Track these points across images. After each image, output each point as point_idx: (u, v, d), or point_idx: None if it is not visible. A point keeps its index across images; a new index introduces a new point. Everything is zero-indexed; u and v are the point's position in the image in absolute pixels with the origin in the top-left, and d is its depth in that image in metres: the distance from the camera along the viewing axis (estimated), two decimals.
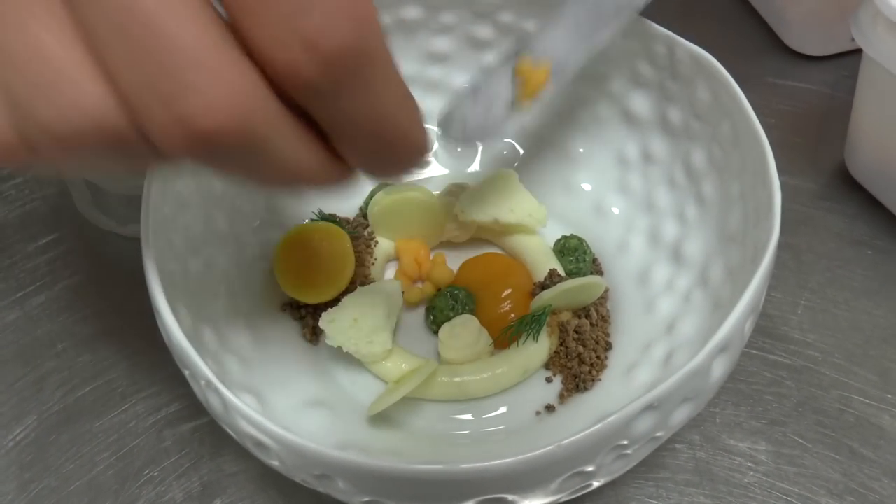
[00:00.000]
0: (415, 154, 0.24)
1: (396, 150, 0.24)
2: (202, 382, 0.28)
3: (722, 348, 0.28)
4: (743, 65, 0.50)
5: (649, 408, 0.26)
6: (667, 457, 0.35)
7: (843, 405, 0.36)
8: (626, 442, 0.27)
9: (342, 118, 0.22)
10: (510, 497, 0.27)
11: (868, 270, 0.41)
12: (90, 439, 0.36)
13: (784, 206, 0.43)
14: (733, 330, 0.28)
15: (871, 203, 0.43)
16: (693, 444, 0.35)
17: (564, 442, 0.25)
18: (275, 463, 0.28)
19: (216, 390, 0.27)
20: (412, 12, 0.40)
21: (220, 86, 0.20)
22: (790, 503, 0.34)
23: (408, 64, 0.41)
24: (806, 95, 0.49)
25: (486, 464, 0.25)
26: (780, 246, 0.41)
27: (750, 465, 0.35)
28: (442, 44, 0.42)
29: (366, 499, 0.27)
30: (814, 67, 0.50)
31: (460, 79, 0.42)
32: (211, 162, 0.22)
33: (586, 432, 0.25)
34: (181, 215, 0.34)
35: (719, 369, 0.28)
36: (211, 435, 0.36)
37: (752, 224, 0.33)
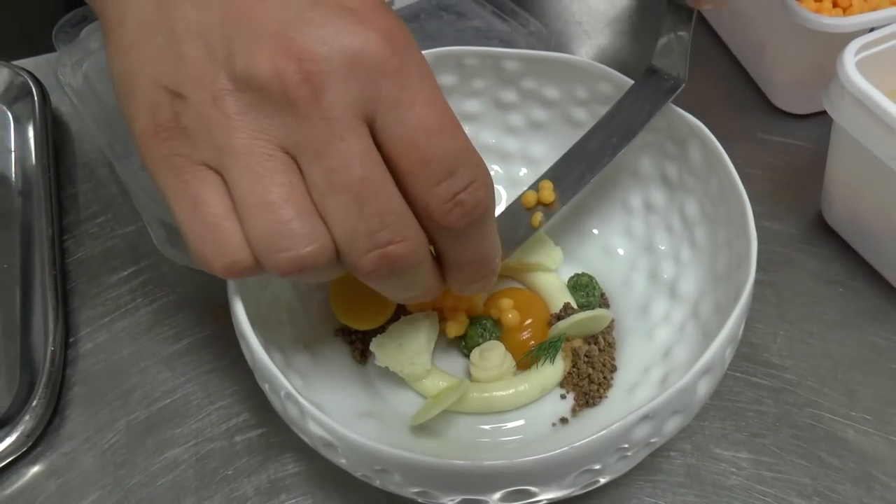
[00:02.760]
0: (493, 277, 0.36)
1: (487, 275, 0.35)
2: (282, 393, 0.34)
3: (706, 371, 0.34)
4: (737, 122, 0.57)
5: (646, 418, 0.33)
6: (663, 462, 0.41)
7: (815, 421, 0.43)
8: (626, 445, 0.33)
9: (461, 253, 0.33)
10: (532, 489, 0.33)
11: (840, 306, 0.47)
12: (172, 443, 0.42)
13: (767, 249, 0.50)
14: (715, 356, 0.34)
15: (844, 248, 0.50)
16: (685, 452, 0.42)
17: (576, 444, 0.32)
18: (342, 461, 0.34)
19: (295, 400, 0.34)
20: (448, 79, 0.47)
21: (406, 227, 0.30)
22: (767, 503, 0.40)
23: None
24: (790, 150, 0.55)
25: (514, 461, 0.32)
26: (763, 283, 0.48)
27: (733, 470, 0.41)
28: (472, 106, 0.48)
29: (416, 489, 0.34)
30: (798, 124, 0.57)
31: (488, 136, 0.49)
32: (382, 279, 0.32)
33: (594, 437, 0.32)
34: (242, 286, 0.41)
35: (704, 388, 0.35)
36: (276, 440, 0.42)
37: (735, 266, 0.39)
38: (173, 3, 0.31)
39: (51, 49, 0.57)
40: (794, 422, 0.43)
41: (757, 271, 0.48)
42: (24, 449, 0.42)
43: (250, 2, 0.30)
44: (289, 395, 0.34)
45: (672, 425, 0.35)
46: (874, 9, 0.54)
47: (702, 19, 0.64)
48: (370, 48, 0.29)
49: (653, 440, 0.34)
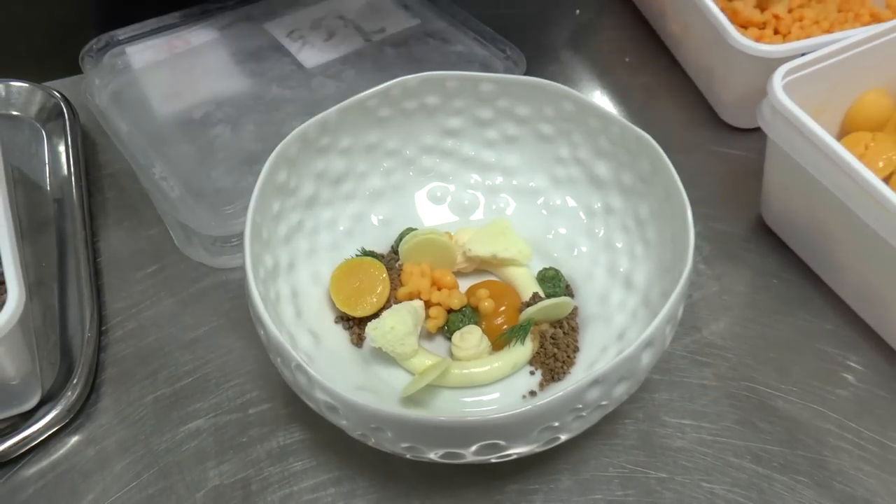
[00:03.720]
0: None
1: None
2: (292, 365, 0.40)
3: (648, 344, 0.40)
4: (690, 135, 0.64)
5: (596, 382, 0.39)
6: (619, 428, 0.47)
7: (750, 392, 0.49)
8: (580, 406, 0.39)
9: None
10: (501, 442, 0.39)
11: (774, 295, 0.54)
12: (194, 416, 0.48)
13: (713, 246, 0.56)
14: (656, 331, 0.40)
15: (779, 244, 0.56)
16: (638, 419, 0.48)
17: (538, 403, 0.38)
18: (343, 422, 0.40)
19: (303, 370, 0.40)
20: (432, 99, 0.53)
21: None
22: (707, 461, 0.46)
23: (429, 137, 0.54)
24: (736, 159, 0.62)
25: (486, 417, 0.38)
26: (709, 276, 0.54)
27: (679, 434, 0.47)
28: (454, 122, 0.54)
29: (405, 444, 0.40)
30: (743, 137, 0.63)
31: (469, 149, 0.55)
32: None
33: (553, 397, 0.38)
34: (264, 255, 0.47)
35: (646, 358, 0.41)
36: (283, 412, 0.48)
37: (679, 259, 0.45)
38: None
39: (76, 71, 0.64)
40: (732, 393, 0.49)
41: (703, 265, 0.54)
42: (66, 421, 0.47)
43: None
44: (298, 366, 0.40)
45: (620, 390, 0.41)
46: (809, 36, 0.60)
47: (661, 45, 0.70)
48: None
49: (603, 402, 0.40)
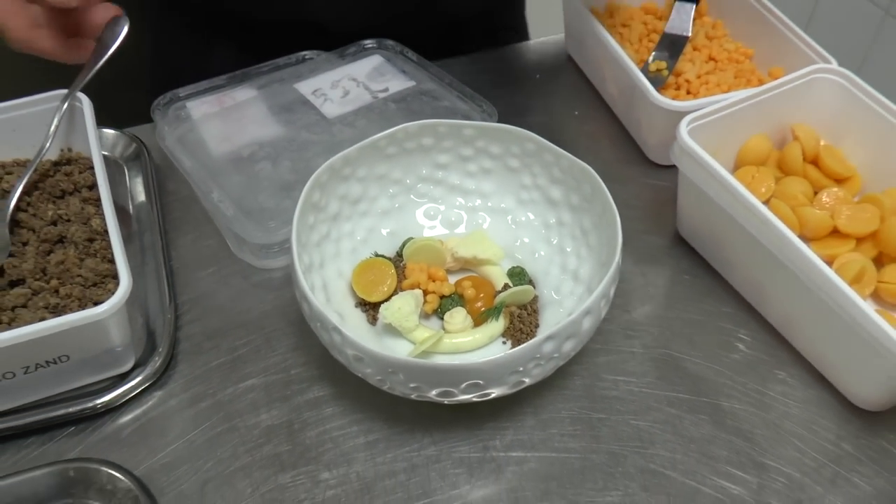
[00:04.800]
0: None
1: None
2: (330, 327, 0.50)
3: (587, 312, 0.50)
4: (625, 170, 0.74)
5: (549, 338, 0.49)
6: (569, 382, 0.57)
7: (667, 357, 0.59)
8: (539, 356, 0.49)
9: None
10: (481, 382, 0.49)
11: (686, 288, 0.64)
12: (249, 376, 0.57)
13: (642, 251, 0.67)
14: (593, 304, 0.51)
15: (690, 251, 0.66)
16: (583, 376, 0.58)
17: (507, 353, 0.48)
18: (367, 370, 0.50)
19: (338, 331, 0.50)
20: (428, 141, 0.63)
21: None
22: (634, 406, 0.56)
23: (425, 169, 0.65)
24: (659, 188, 0.71)
25: (469, 362, 0.48)
26: (637, 273, 0.65)
27: (613, 387, 0.57)
28: (443, 158, 0.64)
29: (412, 385, 0.50)
30: (663, 171, 0.73)
31: (454, 178, 0.66)
32: None
33: (517, 348, 0.48)
34: (303, 255, 0.58)
35: (587, 323, 0.51)
36: (317, 373, 0.57)
37: (611, 256, 0.56)
38: None
39: (148, 119, 0.74)
40: (653, 358, 0.59)
41: (633, 266, 0.65)
42: (153, 381, 0.56)
43: None
44: (335, 328, 0.50)
45: (568, 346, 0.51)
46: (710, 95, 0.72)
47: (602, 102, 0.81)
48: None
49: (555, 355, 0.50)
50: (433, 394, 0.50)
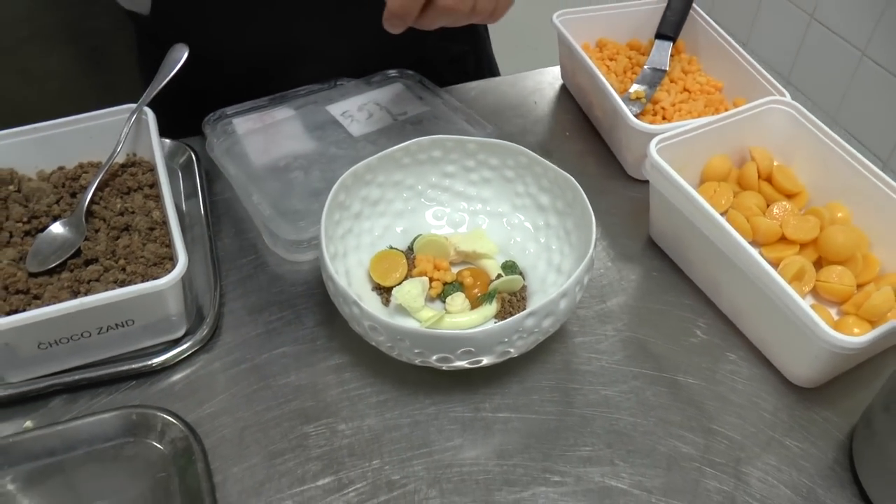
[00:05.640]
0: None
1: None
2: (350, 301, 0.58)
3: (563, 295, 0.57)
4: (607, 183, 0.82)
5: (531, 314, 0.56)
6: (549, 357, 0.64)
7: (634, 340, 0.66)
8: (521, 329, 0.56)
9: None
10: (472, 350, 0.56)
11: (654, 283, 0.70)
12: (281, 344, 0.64)
13: (619, 252, 0.73)
14: (568, 288, 0.58)
15: (660, 252, 0.73)
16: (562, 353, 0.64)
17: (496, 324, 0.56)
18: (380, 338, 0.58)
19: (358, 305, 0.57)
20: (436, 153, 0.71)
21: None
22: (604, 378, 0.63)
23: (434, 177, 0.72)
24: (636, 199, 0.78)
25: (465, 331, 0.55)
26: (613, 270, 0.72)
27: (587, 363, 0.64)
28: (450, 168, 0.72)
29: (417, 350, 0.57)
30: (640, 184, 0.80)
31: (459, 186, 0.73)
32: None
33: (504, 321, 0.56)
34: (329, 246, 0.65)
35: (563, 304, 0.58)
36: (336, 343, 0.65)
37: (586, 252, 0.64)
38: None
39: (200, 132, 0.82)
40: (623, 339, 0.66)
41: (610, 263, 0.72)
42: (200, 346, 0.63)
43: None
44: (354, 302, 0.57)
45: (546, 323, 0.58)
46: (681, 119, 0.79)
47: (590, 125, 0.88)
48: None
49: (535, 330, 0.58)
50: (434, 359, 0.57)
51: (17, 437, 0.57)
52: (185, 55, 0.74)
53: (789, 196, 0.73)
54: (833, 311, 0.67)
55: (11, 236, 0.66)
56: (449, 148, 0.71)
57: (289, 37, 0.85)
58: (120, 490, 0.55)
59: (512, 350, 0.58)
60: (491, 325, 0.65)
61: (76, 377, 0.61)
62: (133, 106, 0.72)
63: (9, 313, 0.59)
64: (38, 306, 0.59)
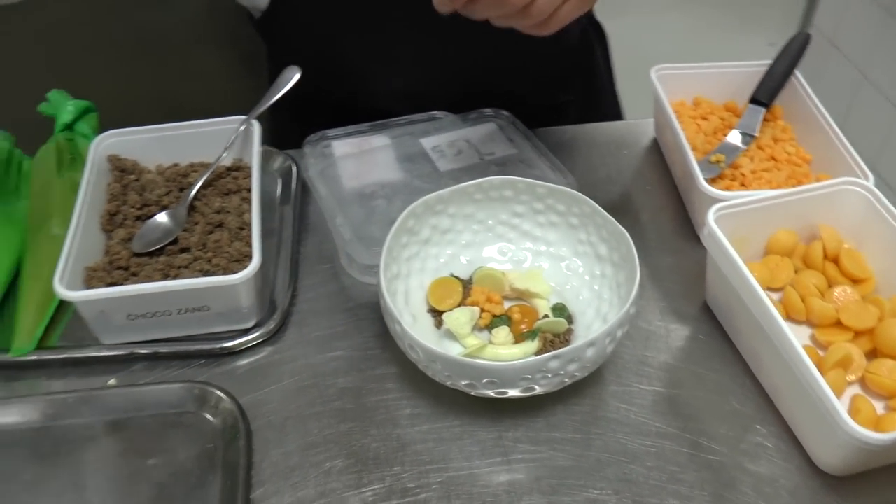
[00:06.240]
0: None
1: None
2: (395, 319, 0.64)
3: (591, 344, 0.61)
4: (677, 241, 0.84)
5: (554, 357, 0.60)
6: (580, 400, 0.67)
7: (668, 399, 0.68)
8: (545, 370, 0.60)
9: None
10: (497, 381, 0.60)
11: (699, 347, 0.72)
12: (336, 349, 0.71)
13: (674, 311, 0.75)
14: (598, 338, 0.61)
15: (712, 317, 0.75)
16: (593, 398, 0.67)
17: (518, 361, 0.60)
18: (417, 357, 0.63)
19: (400, 324, 0.63)
20: (508, 193, 0.75)
21: None
22: (627, 427, 0.66)
23: (503, 215, 0.76)
24: (701, 261, 0.80)
25: (488, 363, 0.60)
26: (662, 327, 0.74)
27: (615, 412, 0.67)
28: (519, 209, 0.76)
29: (447, 373, 0.62)
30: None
31: (526, 226, 0.78)
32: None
33: (527, 360, 0.60)
34: (392, 265, 0.72)
35: (590, 353, 0.61)
36: (385, 355, 0.70)
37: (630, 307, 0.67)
38: None
39: (298, 146, 0.90)
40: (655, 394, 0.68)
41: (660, 320, 0.74)
42: (266, 338, 0.71)
43: None
44: (397, 321, 0.63)
45: (572, 367, 0.61)
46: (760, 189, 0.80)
47: (671, 180, 0.89)
48: None
49: (560, 372, 0.61)
50: (462, 384, 0.62)
51: (101, 391, 0.67)
52: (297, 76, 0.82)
53: (855, 281, 0.73)
54: (880, 406, 0.67)
55: (125, 219, 0.76)
56: (520, 189, 0.76)
57: (401, 77, 0.92)
58: (171, 452, 0.63)
59: (536, 388, 0.62)
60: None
61: (156, 350, 0.70)
62: (243, 117, 0.81)
63: (109, 285, 0.68)
64: (133, 283, 0.69)
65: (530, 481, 0.62)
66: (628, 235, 0.68)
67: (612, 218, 0.71)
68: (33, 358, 0.70)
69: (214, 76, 1.57)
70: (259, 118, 0.82)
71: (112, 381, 0.69)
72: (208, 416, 0.66)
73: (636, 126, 0.99)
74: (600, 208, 0.72)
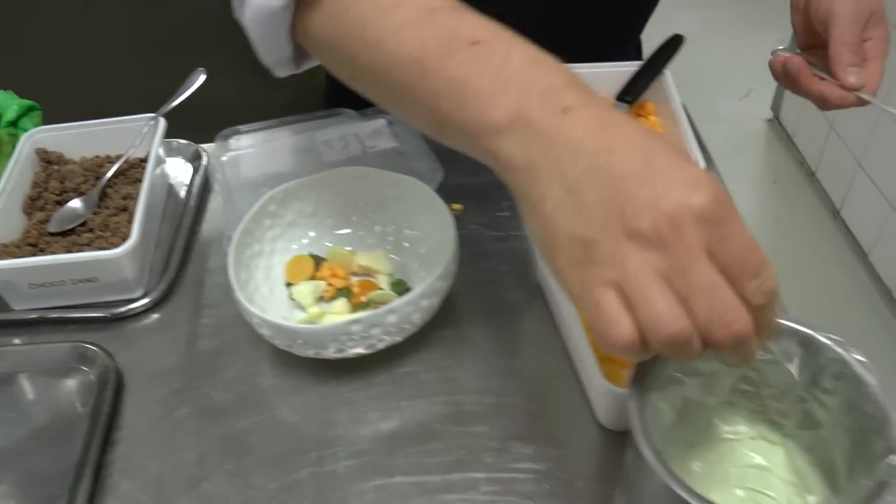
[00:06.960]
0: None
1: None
2: (235, 295, 0.76)
3: (390, 311, 0.72)
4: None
5: (356, 322, 0.70)
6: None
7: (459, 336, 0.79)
8: (348, 332, 0.71)
9: (762, 321, 0.43)
10: (310, 343, 0.72)
11: (531, 324, 0.83)
12: (206, 317, 0.85)
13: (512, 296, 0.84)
14: (398, 305, 0.72)
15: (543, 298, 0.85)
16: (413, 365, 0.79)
17: (322, 326, 0.71)
18: (248, 320, 0.75)
19: (236, 291, 0.75)
20: (362, 182, 0.88)
21: (742, 312, 0.41)
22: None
23: (361, 202, 0.89)
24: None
25: (301, 326, 0.72)
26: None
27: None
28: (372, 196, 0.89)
29: (269, 334, 0.74)
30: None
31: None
32: (727, 349, 0.42)
33: (329, 324, 0.71)
34: (256, 244, 0.84)
35: (391, 318, 0.72)
36: (242, 321, 0.84)
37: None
38: (578, 189, 0.43)
39: (211, 140, 1.02)
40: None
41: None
42: (152, 305, 0.84)
43: (631, 187, 0.42)
44: (236, 290, 0.76)
45: (376, 331, 0.72)
46: None
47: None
48: (708, 206, 0.41)
49: (365, 335, 0.72)
50: (280, 343, 0.74)
51: (6, 348, 0.81)
52: (203, 77, 0.95)
53: None
54: None
55: (46, 204, 0.90)
56: (372, 179, 0.86)
57: None
58: (53, 400, 0.77)
59: (349, 349, 0.73)
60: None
61: (61, 315, 0.84)
62: (152, 115, 0.94)
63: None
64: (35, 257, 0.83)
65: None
66: (453, 217, 0.78)
67: (443, 202, 0.81)
68: None
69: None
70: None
71: (17, 341, 0.83)
72: (87, 371, 0.79)
73: None
74: (436, 195, 0.82)
